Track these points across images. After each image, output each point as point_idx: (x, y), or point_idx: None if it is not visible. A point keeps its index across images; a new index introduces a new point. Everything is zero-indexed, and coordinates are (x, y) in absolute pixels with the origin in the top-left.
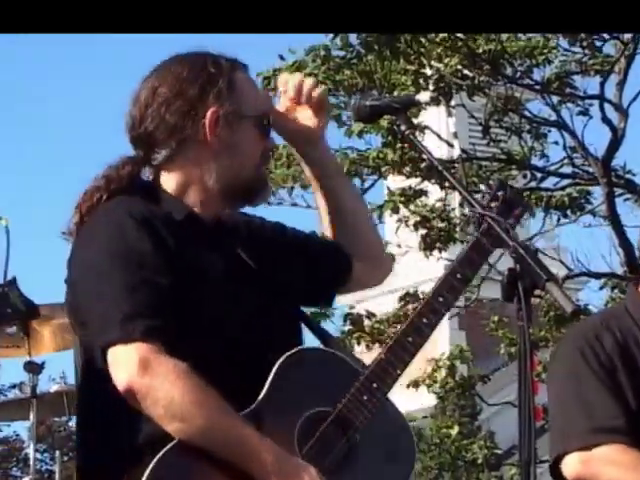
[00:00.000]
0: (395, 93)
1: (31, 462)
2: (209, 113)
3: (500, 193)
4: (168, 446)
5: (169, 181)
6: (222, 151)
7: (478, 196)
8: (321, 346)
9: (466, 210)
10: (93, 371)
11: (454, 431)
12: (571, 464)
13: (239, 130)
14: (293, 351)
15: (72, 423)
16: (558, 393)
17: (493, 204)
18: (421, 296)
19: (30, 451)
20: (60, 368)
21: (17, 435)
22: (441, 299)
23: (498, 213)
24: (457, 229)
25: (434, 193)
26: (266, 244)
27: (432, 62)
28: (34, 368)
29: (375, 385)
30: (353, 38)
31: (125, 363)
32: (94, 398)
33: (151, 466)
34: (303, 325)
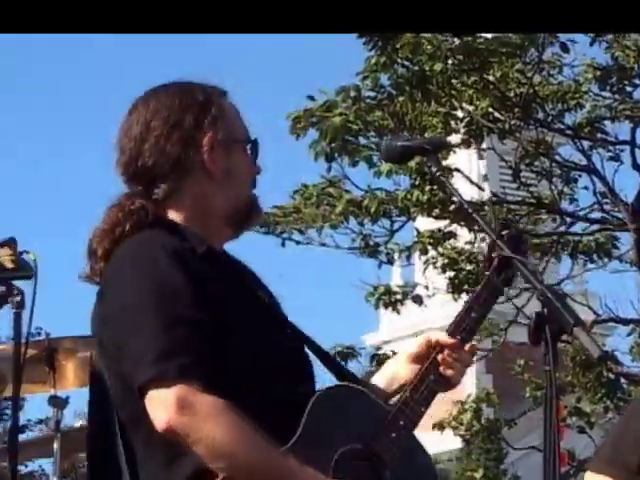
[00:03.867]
0: (426, 135)
1: None
2: (206, 139)
3: (505, 232)
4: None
5: (176, 214)
6: (223, 177)
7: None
8: (347, 383)
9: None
10: (130, 403)
11: (478, 474)
12: None
13: (233, 155)
14: (326, 387)
15: None
16: None
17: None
18: None
19: None
20: (85, 403)
21: (42, 470)
22: (459, 337)
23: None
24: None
25: (463, 236)
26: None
27: (463, 104)
28: (58, 403)
29: (402, 423)
30: (384, 79)
31: (163, 404)
32: (130, 430)
33: None
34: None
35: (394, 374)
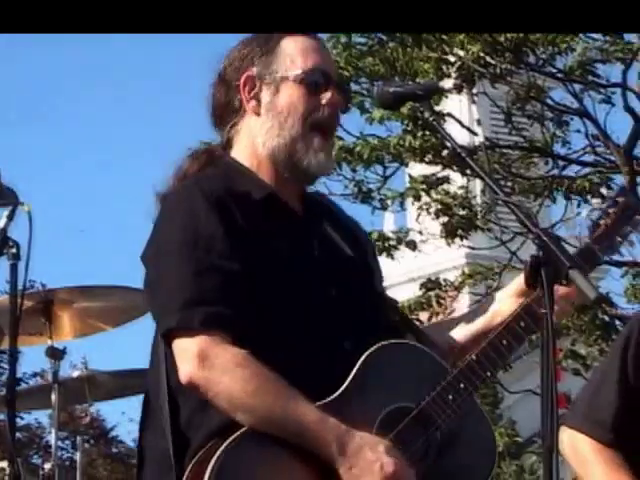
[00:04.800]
0: (417, 80)
1: (53, 449)
2: (242, 77)
3: (620, 199)
4: (237, 433)
5: (238, 155)
6: (265, 115)
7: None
8: (410, 341)
9: (487, 197)
10: (159, 353)
11: None
12: (562, 436)
13: (282, 91)
14: (380, 344)
15: (93, 409)
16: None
17: (611, 210)
18: (443, 283)
19: (52, 438)
20: (81, 354)
21: (39, 423)
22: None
23: (616, 220)
24: (479, 217)
25: (456, 181)
26: (359, 246)
27: (454, 49)
28: (56, 354)
29: (462, 385)
30: None
31: (185, 355)
32: (162, 379)
33: (218, 453)
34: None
35: (496, 310)
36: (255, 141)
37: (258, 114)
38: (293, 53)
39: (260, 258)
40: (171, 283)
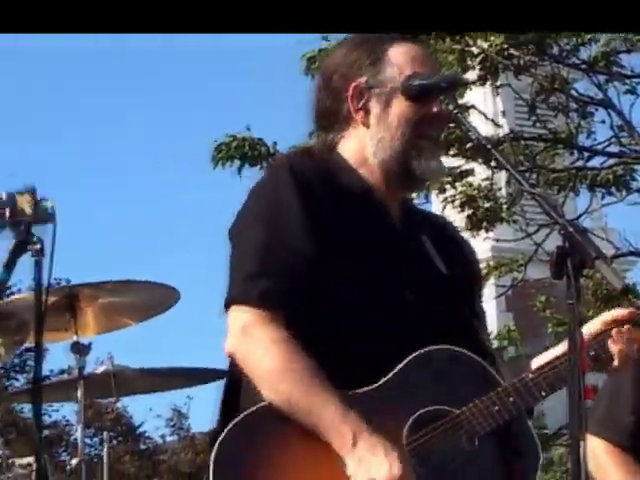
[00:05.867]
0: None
1: (79, 442)
2: (351, 87)
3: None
4: (253, 408)
5: (345, 155)
6: (376, 126)
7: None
8: (460, 349)
9: (512, 189)
10: None
11: None
12: None
13: (392, 102)
14: (430, 349)
15: (120, 405)
16: None
17: None
18: None
19: (78, 433)
20: (107, 350)
21: (67, 420)
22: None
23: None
24: (503, 209)
25: (480, 173)
26: (459, 259)
27: (477, 41)
28: (81, 349)
29: (512, 400)
30: None
31: (234, 326)
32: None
33: (230, 425)
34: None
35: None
36: (365, 150)
37: (367, 125)
38: (402, 63)
39: (339, 248)
40: (240, 256)
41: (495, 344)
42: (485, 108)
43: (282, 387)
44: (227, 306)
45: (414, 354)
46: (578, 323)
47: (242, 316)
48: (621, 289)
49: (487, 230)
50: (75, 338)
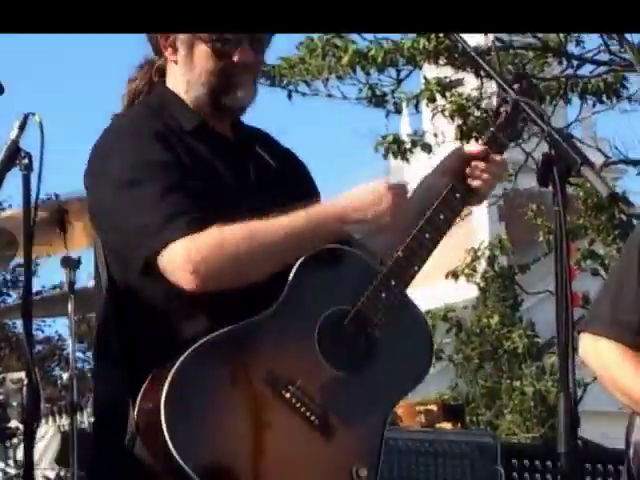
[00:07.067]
0: None
1: (70, 357)
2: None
3: (515, 85)
4: (195, 345)
5: (171, 86)
6: (181, 66)
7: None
8: (340, 245)
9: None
10: (128, 278)
11: (494, 320)
12: (583, 343)
13: (193, 46)
14: (312, 252)
15: None
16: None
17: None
18: None
19: (69, 348)
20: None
21: (59, 335)
22: (457, 195)
23: (515, 106)
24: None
25: (470, 82)
26: (290, 166)
27: None
28: (71, 263)
29: (393, 282)
30: None
31: (176, 262)
32: (129, 302)
33: (178, 363)
34: None
35: (429, 186)
36: (180, 87)
37: (176, 62)
38: None
39: (205, 180)
40: (143, 207)
41: (487, 253)
42: None
43: (265, 241)
44: (156, 254)
45: (299, 262)
46: (565, 230)
47: (180, 248)
48: (607, 195)
49: (477, 140)
50: (65, 252)
